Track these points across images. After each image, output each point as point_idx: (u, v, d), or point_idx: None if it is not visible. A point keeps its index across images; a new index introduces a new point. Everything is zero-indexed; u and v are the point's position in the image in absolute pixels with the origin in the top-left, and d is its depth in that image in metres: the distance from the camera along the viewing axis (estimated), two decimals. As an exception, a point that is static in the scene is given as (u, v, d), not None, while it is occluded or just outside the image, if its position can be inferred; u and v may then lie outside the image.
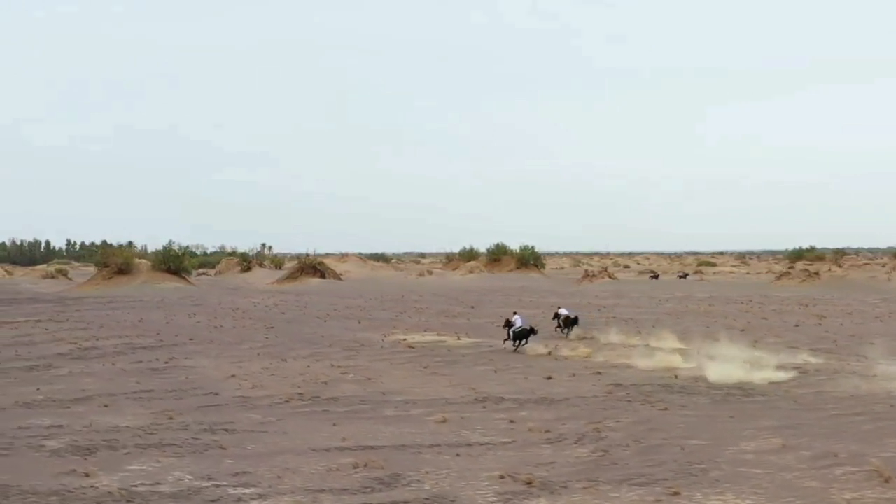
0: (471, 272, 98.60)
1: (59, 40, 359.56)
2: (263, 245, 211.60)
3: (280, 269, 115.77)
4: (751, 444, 15.76)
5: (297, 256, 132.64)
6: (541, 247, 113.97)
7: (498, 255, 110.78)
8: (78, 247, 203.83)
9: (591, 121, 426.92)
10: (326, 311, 55.91)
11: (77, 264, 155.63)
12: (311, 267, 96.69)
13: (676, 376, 23.82)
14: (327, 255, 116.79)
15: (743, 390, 21.97)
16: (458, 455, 15.28)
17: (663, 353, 28.49)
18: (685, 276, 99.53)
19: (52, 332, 39.59)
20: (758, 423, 17.81)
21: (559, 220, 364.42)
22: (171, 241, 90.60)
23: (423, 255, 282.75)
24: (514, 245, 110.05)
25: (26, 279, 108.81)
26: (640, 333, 36.70)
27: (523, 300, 66.04)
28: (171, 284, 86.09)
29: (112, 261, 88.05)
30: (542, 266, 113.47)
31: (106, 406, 20.39)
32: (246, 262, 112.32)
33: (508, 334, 31.72)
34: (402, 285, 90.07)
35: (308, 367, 27.08)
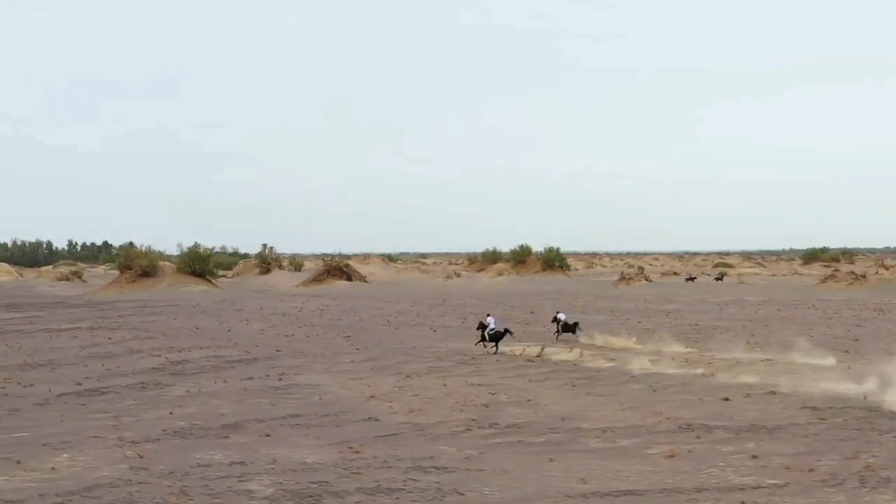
0: (499, 274, 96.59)
1: (57, 41, 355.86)
2: (265, 245, 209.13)
3: (299, 270, 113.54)
4: None
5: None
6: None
7: (523, 257, 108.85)
8: (79, 247, 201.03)
9: (588, 121, 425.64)
10: (382, 316, 53.83)
11: (84, 265, 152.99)
12: (338, 269, 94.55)
13: (865, 397, 21.80)
14: (346, 256, 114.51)
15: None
16: (743, 503, 13.27)
17: (811, 371, 26.49)
18: (721, 277, 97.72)
19: (118, 343, 37.39)
20: None
21: (557, 220, 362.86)
22: (196, 242, 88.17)
23: (423, 256, 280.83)
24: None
25: (40, 281, 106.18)
26: (749, 344, 34.80)
27: (575, 304, 63.99)
28: (197, 287, 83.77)
29: (136, 263, 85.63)
30: (567, 268, 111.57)
31: (268, 436, 18.27)
32: (265, 263, 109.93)
33: (483, 336, 32.86)
34: (435, 288, 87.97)
35: (443, 384, 24.98)
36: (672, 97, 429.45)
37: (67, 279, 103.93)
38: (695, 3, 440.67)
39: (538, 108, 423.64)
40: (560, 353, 31.97)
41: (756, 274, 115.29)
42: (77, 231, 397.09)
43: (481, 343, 33.06)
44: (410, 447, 17.13)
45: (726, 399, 22.01)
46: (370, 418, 20.08)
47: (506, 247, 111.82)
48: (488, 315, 34.31)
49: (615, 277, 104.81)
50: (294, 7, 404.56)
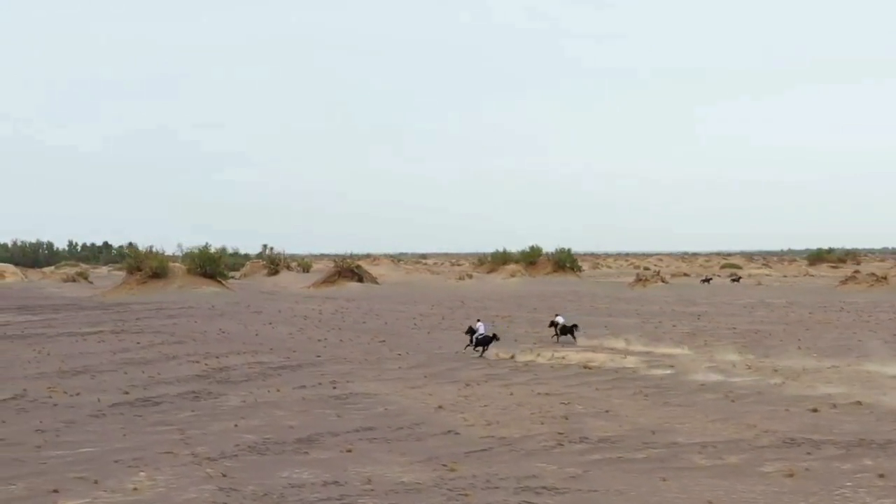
0: (512, 276, 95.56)
1: (57, 41, 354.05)
2: (265, 246, 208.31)
3: (308, 272, 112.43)
4: None
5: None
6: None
7: (533, 258, 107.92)
8: (80, 248, 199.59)
9: (588, 121, 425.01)
10: (407, 319, 52.82)
11: (86, 266, 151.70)
12: (349, 270, 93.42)
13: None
14: (357, 256, 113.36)
15: None
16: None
17: (884, 379, 25.55)
18: (737, 279, 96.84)
19: (148, 347, 36.32)
20: None
21: (557, 220, 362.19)
22: (207, 243, 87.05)
23: (424, 256, 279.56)
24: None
25: (46, 283, 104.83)
26: (800, 349, 33.90)
27: (598, 307, 63.12)
28: (208, 289, 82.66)
29: (146, 265, 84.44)
30: (578, 269, 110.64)
31: (349, 451, 17.25)
32: (273, 264, 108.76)
33: (471, 341, 33.13)
34: (449, 290, 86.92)
35: (510, 393, 23.98)
36: (672, 97, 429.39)
37: (73, 280, 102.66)
38: (695, 4, 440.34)
39: (538, 108, 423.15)
40: (614, 359, 30.98)
41: (768, 275, 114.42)
42: (76, 231, 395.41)
43: (470, 347, 33.33)
44: (506, 464, 16.13)
45: (814, 410, 21.04)
46: (449, 431, 19.07)
47: (506, 247, 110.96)
48: (478, 321, 34.93)
49: (625, 278, 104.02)
50: (294, 7, 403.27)
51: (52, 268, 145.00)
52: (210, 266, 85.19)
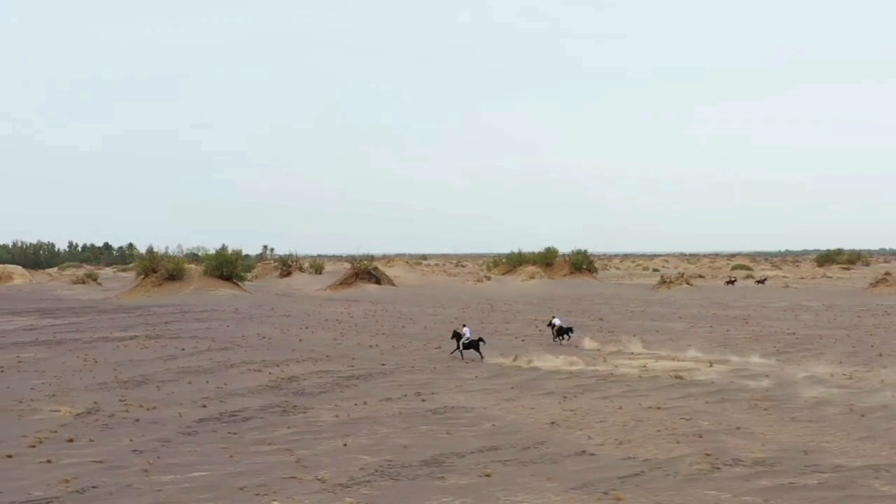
0: (531, 277, 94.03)
1: (57, 41, 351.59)
2: (265, 247, 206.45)
3: (320, 273, 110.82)
4: None
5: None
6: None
7: (549, 259, 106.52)
8: (80, 248, 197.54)
9: (588, 121, 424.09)
10: (444, 322, 51.26)
11: (89, 267, 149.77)
12: (366, 272, 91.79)
13: None
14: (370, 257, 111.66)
15: None
16: None
17: None
18: (763, 281, 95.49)
19: (195, 354, 34.75)
20: None
21: (557, 220, 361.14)
22: (224, 244, 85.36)
23: (423, 257, 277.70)
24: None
25: (56, 285, 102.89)
26: (887, 358, 32.51)
27: (633, 310, 61.71)
28: (226, 291, 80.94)
29: (161, 266, 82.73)
30: (595, 270, 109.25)
31: (487, 476, 15.74)
32: (286, 266, 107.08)
33: (458, 345, 33.36)
34: (470, 292, 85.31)
35: (618, 407, 22.49)
36: (672, 97, 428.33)
37: (82, 282, 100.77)
38: (695, 4, 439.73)
39: (537, 108, 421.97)
40: (699, 368, 29.51)
41: (784, 277, 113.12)
42: (73, 231, 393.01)
43: (457, 351, 33.62)
44: (674, 493, 14.65)
45: (963, 428, 19.60)
46: (582, 452, 17.57)
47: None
48: (464, 325, 35.47)
49: (638, 280, 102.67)
50: (294, 7, 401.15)
51: (56, 269, 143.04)
52: (227, 268, 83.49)
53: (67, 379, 28.23)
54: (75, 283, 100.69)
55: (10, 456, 17.12)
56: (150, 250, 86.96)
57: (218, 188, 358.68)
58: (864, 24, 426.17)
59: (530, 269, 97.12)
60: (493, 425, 20.36)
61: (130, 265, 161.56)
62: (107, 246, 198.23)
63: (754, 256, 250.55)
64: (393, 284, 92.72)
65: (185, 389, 25.80)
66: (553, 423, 20.50)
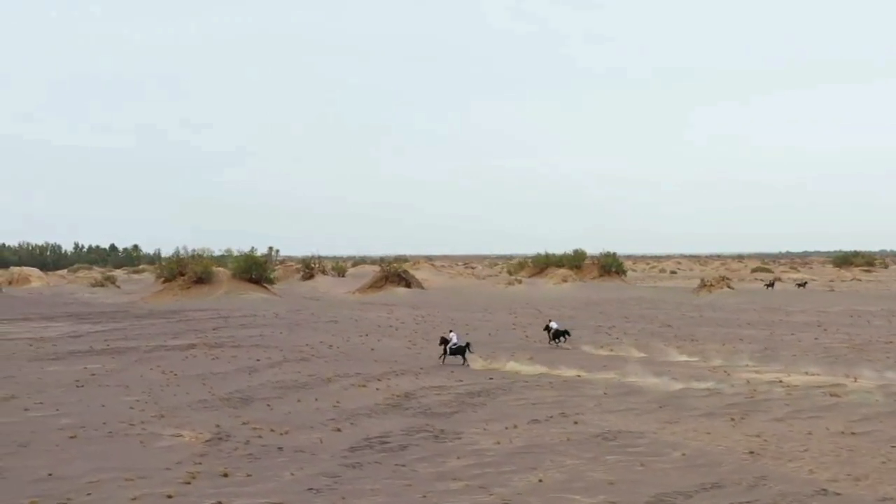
0: (564, 280, 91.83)
1: (58, 41, 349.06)
2: (270, 248, 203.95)
3: (343, 276, 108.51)
4: None
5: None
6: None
7: (578, 261, 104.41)
8: (86, 249, 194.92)
9: (588, 122, 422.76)
10: (508, 328, 49.09)
11: (99, 269, 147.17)
12: (396, 275, 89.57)
13: None
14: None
15: None
16: None
17: None
18: (804, 284, 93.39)
19: (277, 367, 32.50)
20: None
21: (551, 221, 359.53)
22: (253, 247, 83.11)
23: (430, 258, 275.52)
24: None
25: (74, 287, 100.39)
26: None
27: (688, 315, 59.55)
28: (256, 295, 78.65)
29: (189, 269, 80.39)
30: (624, 273, 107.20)
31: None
32: (308, 268, 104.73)
33: (445, 350, 33.41)
34: (506, 296, 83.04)
35: (807, 433, 20.19)
36: (670, 98, 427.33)
37: (101, 285, 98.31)
38: (695, 4, 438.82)
39: (536, 109, 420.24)
40: (844, 384, 27.25)
41: (813, 279, 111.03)
42: (75, 232, 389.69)
43: (443, 357, 33.55)
44: None
45: None
46: (823, 491, 15.33)
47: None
48: (451, 331, 35.81)
49: (661, 282, 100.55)
50: (294, 7, 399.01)
51: (66, 271, 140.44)
52: (256, 271, 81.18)
53: (159, 395, 25.94)
54: (94, 285, 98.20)
55: (170, 496, 14.84)
56: (177, 253, 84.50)
57: (217, 188, 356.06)
58: (864, 25, 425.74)
59: (562, 271, 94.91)
60: (684, 455, 18.11)
61: (139, 267, 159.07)
62: (113, 247, 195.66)
63: (763, 258, 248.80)
64: (422, 288, 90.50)
65: (300, 409, 23.53)
66: (751, 452, 18.25)
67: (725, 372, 30.27)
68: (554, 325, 40.99)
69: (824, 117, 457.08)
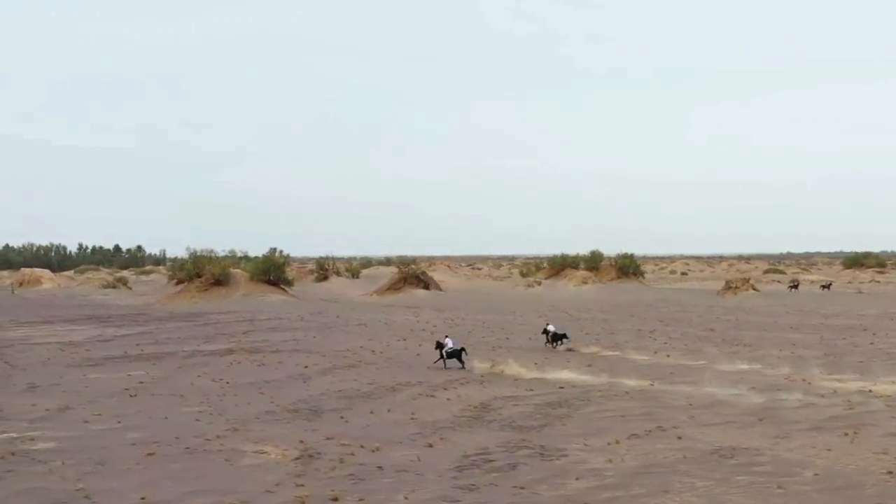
0: (584, 282, 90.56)
1: (58, 41, 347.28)
2: (274, 249, 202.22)
3: (357, 277, 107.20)
4: None
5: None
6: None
7: (595, 263, 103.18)
8: (90, 250, 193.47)
9: (584, 122, 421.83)
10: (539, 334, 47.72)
11: (105, 270, 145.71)
12: (414, 277, 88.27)
13: None
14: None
15: None
16: None
17: None
18: (829, 286, 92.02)
19: (329, 374, 31.33)
20: None
21: (548, 221, 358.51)
22: (274, 248, 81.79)
23: (431, 259, 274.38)
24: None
25: (86, 289, 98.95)
26: None
27: (725, 319, 58.26)
28: (275, 297, 77.42)
29: (206, 271, 79.06)
30: (642, 275, 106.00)
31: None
32: (322, 270, 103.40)
33: (441, 355, 33.50)
34: (527, 298, 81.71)
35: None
36: (671, 98, 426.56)
37: (114, 287, 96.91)
38: (695, 4, 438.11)
39: (536, 109, 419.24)
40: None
41: (830, 281, 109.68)
42: (74, 232, 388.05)
43: (441, 361, 33.56)
44: None
45: None
46: None
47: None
48: (446, 337, 35.62)
49: (676, 283, 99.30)
50: (293, 7, 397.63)
51: (73, 272, 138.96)
52: (275, 272, 79.88)
53: (220, 406, 24.65)
54: (106, 287, 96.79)
55: (286, 525, 13.51)
56: (193, 254, 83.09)
57: (218, 188, 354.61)
58: (864, 25, 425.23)
59: (581, 273, 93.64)
60: (816, 475, 16.79)
61: (146, 268, 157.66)
62: (117, 248, 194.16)
63: (767, 259, 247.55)
64: (440, 289, 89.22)
65: (376, 422, 22.21)
66: (889, 472, 16.94)
67: (805, 381, 28.97)
68: (552, 327, 40.75)
69: (824, 117, 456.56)
